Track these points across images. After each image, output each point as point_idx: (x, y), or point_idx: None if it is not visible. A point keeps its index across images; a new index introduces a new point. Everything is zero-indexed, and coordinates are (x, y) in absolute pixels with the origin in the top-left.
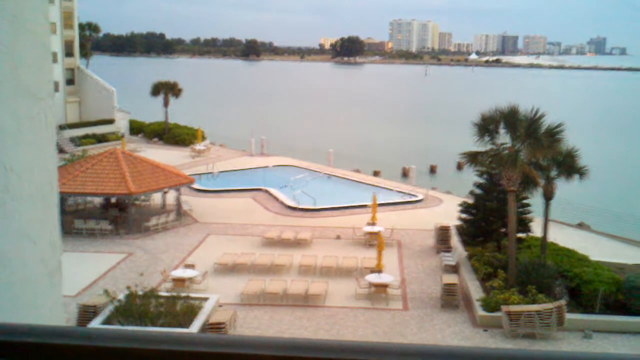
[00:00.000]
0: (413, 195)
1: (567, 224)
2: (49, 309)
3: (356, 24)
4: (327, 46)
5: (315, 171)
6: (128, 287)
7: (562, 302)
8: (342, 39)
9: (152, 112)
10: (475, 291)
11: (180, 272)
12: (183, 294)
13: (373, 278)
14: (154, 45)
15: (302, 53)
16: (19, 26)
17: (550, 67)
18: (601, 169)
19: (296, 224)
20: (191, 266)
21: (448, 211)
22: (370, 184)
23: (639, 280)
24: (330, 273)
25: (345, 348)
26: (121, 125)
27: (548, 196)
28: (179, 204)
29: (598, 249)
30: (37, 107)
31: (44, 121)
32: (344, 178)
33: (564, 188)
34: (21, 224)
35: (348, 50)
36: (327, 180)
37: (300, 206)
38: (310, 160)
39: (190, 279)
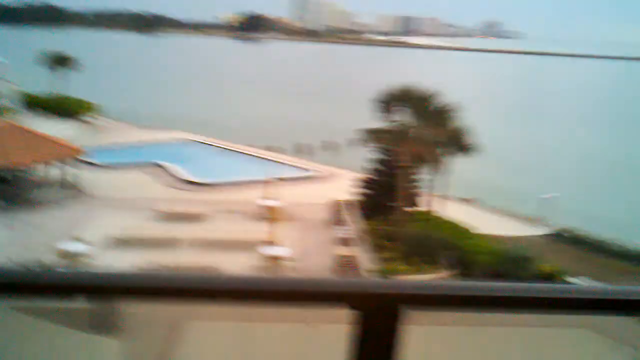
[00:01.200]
0: (309, 170)
1: (457, 198)
2: None
3: (258, 0)
4: (229, 22)
5: (213, 145)
6: (14, 262)
7: (446, 272)
8: (243, 15)
9: (42, 83)
10: (367, 262)
11: (70, 246)
12: (75, 269)
13: (268, 250)
14: (44, 15)
15: (202, 28)
16: None
17: (449, 48)
18: (493, 148)
19: (193, 198)
20: (81, 240)
21: (343, 186)
22: (267, 159)
23: (517, 251)
24: (226, 246)
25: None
26: (7, 95)
27: (438, 172)
28: (68, 176)
29: (485, 223)
30: None
31: None
32: (241, 152)
33: (457, 165)
34: None
35: (250, 26)
36: (225, 154)
37: (197, 180)
38: (208, 135)
39: (81, 254)
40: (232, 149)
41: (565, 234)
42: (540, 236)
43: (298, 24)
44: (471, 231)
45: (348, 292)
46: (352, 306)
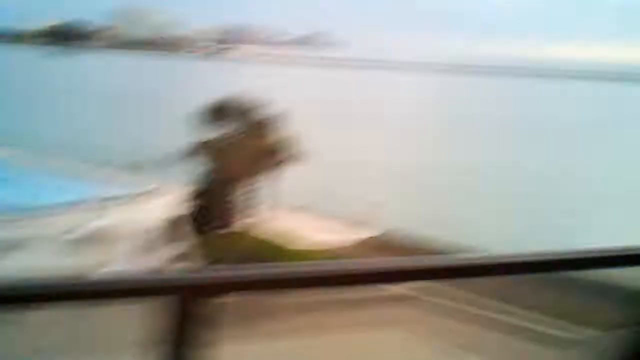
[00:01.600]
0: (135, 187)
1: (287, 207)
2: None
3: (76, 8)
4: (42, 31)
5: (27, 165)
6: None
7: None
8: (59, 24)
9: None
10: None
11: None
12: None
13: (105, 274)
14: None
15: (11, 37)
16: None
17: (276, 59)
18: (320, 154)
19: (7, 225)
20: None
21: (175, 202)
22: (93, 177)
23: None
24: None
25: None
26: None
27: (267, 182)
28: None
29: (314, 230)
30: None
31: None
32: (60, 171)
33: (286, 174)
34: None
35: (64, 36)
36: (41, 174)
37: (11, 204)
38: (19, 153)
39: None
40: (49, 167)
41: (394, 236)
42: (370, 239)
43: (118, 34)
44: (285, 247)
45: (150, 286)
46: (157, 298)
